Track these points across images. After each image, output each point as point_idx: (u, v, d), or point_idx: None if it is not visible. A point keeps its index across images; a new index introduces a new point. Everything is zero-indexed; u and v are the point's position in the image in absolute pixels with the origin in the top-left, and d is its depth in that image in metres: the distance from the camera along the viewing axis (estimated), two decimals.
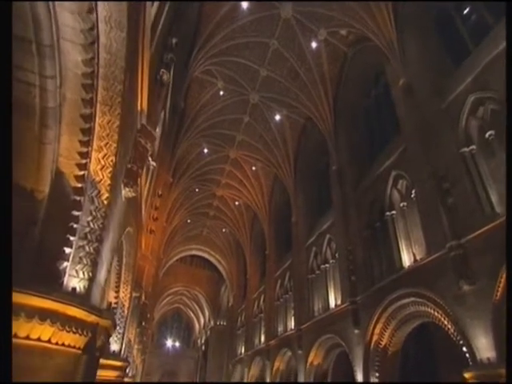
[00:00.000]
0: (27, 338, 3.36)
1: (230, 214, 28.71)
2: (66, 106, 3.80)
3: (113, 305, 8.62)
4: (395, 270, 10.53)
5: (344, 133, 15.21)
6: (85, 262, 4.16)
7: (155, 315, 38.28)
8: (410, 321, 10.31)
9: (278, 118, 19.77)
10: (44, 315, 3.40)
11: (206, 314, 41.86)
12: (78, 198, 4.11)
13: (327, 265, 15.26)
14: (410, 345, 12.22)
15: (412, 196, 10.29)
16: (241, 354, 27.21)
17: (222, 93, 19.43)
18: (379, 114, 13.79)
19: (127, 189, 5.41)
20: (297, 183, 19.73)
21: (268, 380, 19.60)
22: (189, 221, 30.48)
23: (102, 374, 7.78)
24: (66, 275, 3.96)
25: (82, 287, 4.06)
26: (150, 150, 6.03)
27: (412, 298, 9.50)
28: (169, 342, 46.46)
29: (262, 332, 22.71)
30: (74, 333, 3.71)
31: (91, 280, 4.19)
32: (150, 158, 11.44)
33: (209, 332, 39.57)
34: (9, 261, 2.84)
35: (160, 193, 11.67)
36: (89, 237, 4.25)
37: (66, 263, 3.95)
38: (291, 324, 17.91)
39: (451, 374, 11.23)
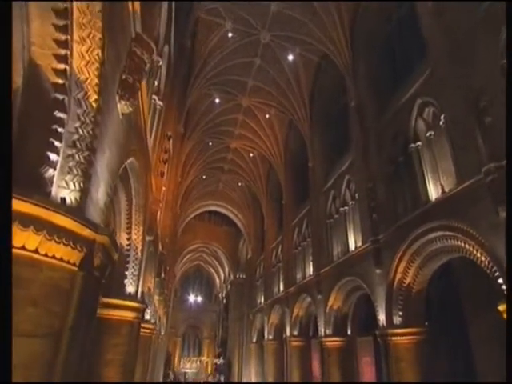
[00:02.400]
0: None
1: (245, 167, 28.14)
2: None
3: (125, 247, 8.42)
4: (421, 204, 9.87)
5: (363, 65, 14.05)
6: (75, 172, 3.66)
7: (177, 272, 39.28)
8: (436, 257, 9.78)
9: (290, 58, 18.51)
10: (26, 221, 2.93)
11: (226, 268, 42.63)
12: (60, 97, 3.53)
13: (346, 207, 14.71)
14: (434, 285, 11.81)
15: (440, 123, 9.38)
16: (260, 303, 27.70)
17: (230, 35, 18.17)
18: (401, 39, 12.53)
19: (123, 102, 4.82)
20: (313, 127, 18.81)
21: (288, 326, 19.84)
22: (204, 177, 30.15)
23: (118, 313, 7.70)
24: (54, 185, 3.47)
25: (73, 199, 3.58)
26: (148, 63, 5.35)
27: (440, 232, 8.89)
28: (191, 298, 48.07)
29: (281, 280, 22.84)
30: (66, 245, 3.27)
31: (83, 192, 3.70)
32: (155, 97, 10.89)
33: (229, 286, 40.45)
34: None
35: (169, 134, 11.06)
36: (78, 145, 3.71)
37: (52, 171, 3.44)
38: (310, 270, 17.75)
39: (478, 312, 10.87)
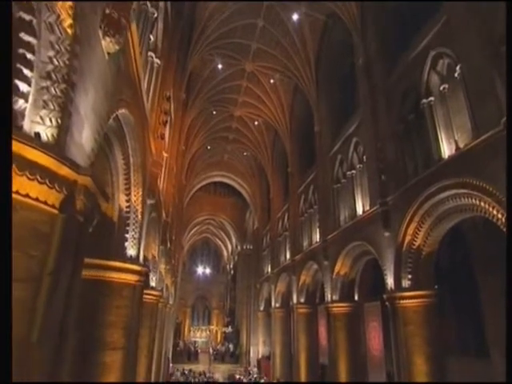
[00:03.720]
0: None
1: (250, 136, 27.54)
2: None
3: (125, 209, 8.14)
4: (432, 162, 9.37)
5: (372, 21, 13.19)
6: (51, 106, 3.27)
7: (184, 245, 39.60)
8: (448, 218, 9.38)
9: (295, 17, 17.55)
10: None
11: (233, 240, 42.85)
12: (26, 17, 3.09)
13: (353, 171, 14.25)
14: (444, 247, 11.49)
15: (456, 74, 8.73)
16: (267, 272, 27.81)
17: None
18: None
19: (108, 39, 4.37)
20: (319, 90, 18.10)
21: (294, 293, 19.86)
22: (209, 147, 29.71)
23: (119, 276, 7.51)
24: (27, 119, 3.09)
25: (49, 135, 3.21)
26: None
27: (453, 191, 8.45)
28: (200, 270, 48.78)
29: (287, 249, 22.79)
30: (41, 183, 2.93)
31: (62, 129, 3.33)
32: (152, 55, 10.37)
33: (236, 257, 40.80)
34: None
35: (168, 94, 10.59)
36: (53, 76, 3.31)
37: (22, 102, 3.06)
38: (316, 237, 17.56)
39: (489, 274, 10.59)
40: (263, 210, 30.96)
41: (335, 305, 14.76)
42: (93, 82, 4.14)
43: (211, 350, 33.96)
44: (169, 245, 17.07)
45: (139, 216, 8.41)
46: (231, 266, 45.31)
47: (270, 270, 26.73)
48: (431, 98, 9.76)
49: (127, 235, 8.13)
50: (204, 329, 45.40)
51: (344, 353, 14.32)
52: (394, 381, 10.83)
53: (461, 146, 8.55)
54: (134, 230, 8.34)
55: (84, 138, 3.98)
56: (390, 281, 10.85)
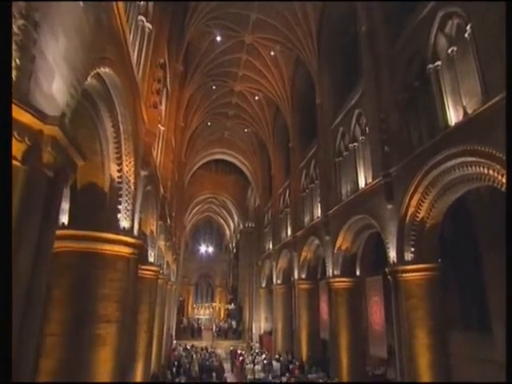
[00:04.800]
0: None
1: (250, 111, 26.92)
2: None
3: (117, 179, 7.81)
4: (438, 130, 8.92)
5: None
6: None
7: (187, 224, 39.54)
8: (453, 188, 9.00)
9: None
10: None
11: (235, 218, 42.75)
12: None
13: (356, 143, 13.81)
14: (448, 220, 11.17)
15: (466, 35, 8.17)
16: (269, 249, 27.79)
17: None
18: None
19: None
20: (321, 61, 17.44)
21: (296, 269, 19.76)
22: (209, 123, 29.18)
23: (112, 248, 7.28)
24: None
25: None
26: None
27: (460, 159, 8.05)
28: (203, 248, 48.99)
29: (289, 225, 22.65)
30: None
31: (23, 73, 2.95)
32: (143, 19, 9.82)
33: (238, 235, 40.80)
34: None
35: (162, 61, 10.09)
36: None
37: None
38: (318, 212, 17.32)
39: (494, 247, 10.32)
40: (264, 187, 30.71)
41: (337, 280, 14.62)
42: (63, 28, 3.72)
43: (214, 327, 34.35)
44: (169, 221, 16.84)
45: (132, 187, 8.12)
46: (233, 244, 45.47)
47: (271, 246, 26.68)
48: (438, 63, 9.21)
49: (120, 206, 7.83)
50: (207, 306, 45.98)
51: (345, 328, 14.27)
52: (395, 355, 10.72)
53: (469, 111, 8.08)
54: (126, 201, 8.05)
55: (55, 89, 3.60)
56: (392, 254, 10.60)
